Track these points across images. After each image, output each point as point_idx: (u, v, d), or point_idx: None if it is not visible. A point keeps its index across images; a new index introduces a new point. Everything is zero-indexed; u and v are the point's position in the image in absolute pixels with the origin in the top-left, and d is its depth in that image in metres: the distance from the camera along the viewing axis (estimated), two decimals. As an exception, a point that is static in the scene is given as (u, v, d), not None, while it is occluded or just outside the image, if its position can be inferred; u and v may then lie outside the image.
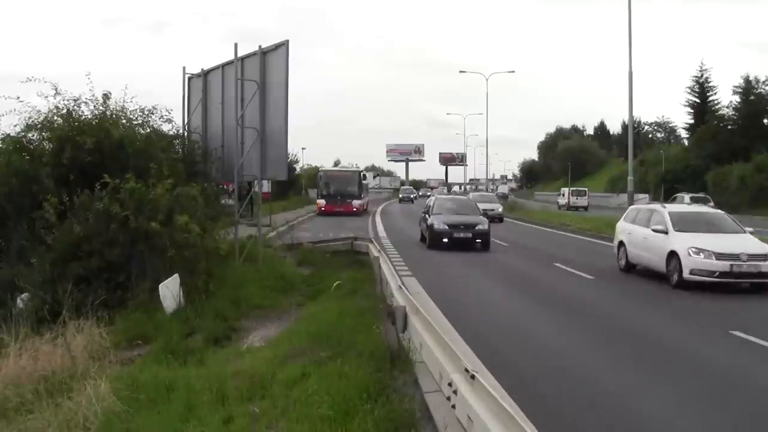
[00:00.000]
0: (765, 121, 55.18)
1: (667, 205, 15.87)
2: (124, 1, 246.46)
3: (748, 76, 56.61)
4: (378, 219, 36.90)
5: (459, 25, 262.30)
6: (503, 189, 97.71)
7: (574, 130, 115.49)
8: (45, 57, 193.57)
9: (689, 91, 65.88)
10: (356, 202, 40.21)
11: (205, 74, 16.35)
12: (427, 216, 20.60)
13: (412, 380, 6.09)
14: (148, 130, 13.44)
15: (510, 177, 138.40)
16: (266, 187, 23.88)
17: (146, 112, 13.56)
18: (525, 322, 9.84)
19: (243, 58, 14.56)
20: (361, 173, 44.64)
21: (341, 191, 40.19)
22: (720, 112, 60.73)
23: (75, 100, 12.45)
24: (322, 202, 40.15)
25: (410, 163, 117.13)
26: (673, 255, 12.53)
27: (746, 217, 37.83)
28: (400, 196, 70.01)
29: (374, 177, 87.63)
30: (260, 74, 13.88)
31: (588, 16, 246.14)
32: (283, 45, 13.47)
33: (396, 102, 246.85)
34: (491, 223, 23.46)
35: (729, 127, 56.33)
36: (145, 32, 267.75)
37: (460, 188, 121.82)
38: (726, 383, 6.75)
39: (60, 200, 10.60)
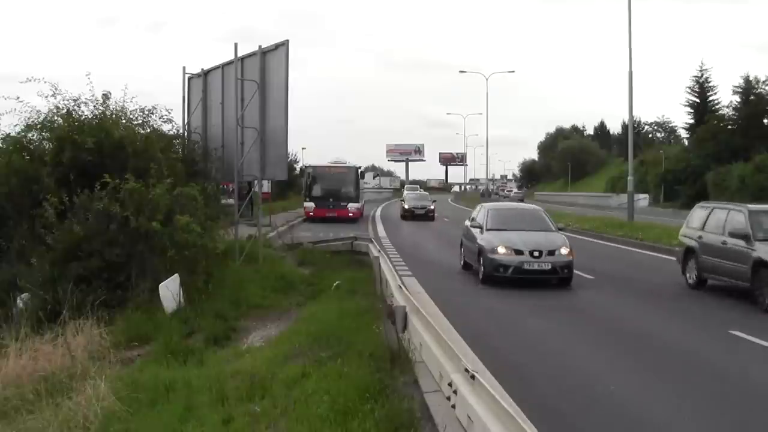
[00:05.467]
0: (765, 121, 55.04)
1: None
2: (122, 1, 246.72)
3: (748, 76, 56.54)
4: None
5: (458, 25, 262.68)
6: (512, 191, 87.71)
7: (574, 130, 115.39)
8: (44, 58, 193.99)
9: (689, 91, 65.80)
10: (353, 206, 32.26)
11: (205, 74, 16.36)
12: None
13: (412, 380, 6.10)
14: (148, 130, 13.43)
15: (510, 177, 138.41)
16: (266, 187, 23.93)
17: (146, 112, 13.55)
18: (523, 321, 9.84)
19: (243, 58, 14.57)
20: (359, 170, 35.44)
21: (334, 192, 32.18)
22: (720, 112, 60.61)
23: (75, 100, 12.44)
24: (310, 205, 32.21)
25: (410, 163, 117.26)
26: None
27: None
28: (407, 206, 36.78)
29: (374, 177, 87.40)
30: (260, 74, 13.88)
31: (588, 16, 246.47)
32: (283, 45, 13.48)
33: (396, 102, 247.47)
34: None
35: (729, 127, 56.21)
36: (144, 33, 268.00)
37: (460, 188, 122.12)
38: (725, 383, 6.75)
39: (60, 200, 10.59)
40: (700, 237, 12.37)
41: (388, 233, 25.70)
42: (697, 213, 13.09)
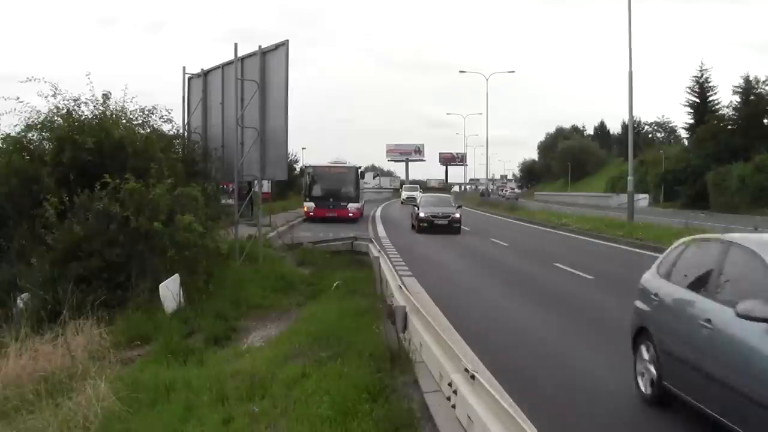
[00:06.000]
0: (765, 121, 55.08)
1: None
2: (122, 1, 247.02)
3: (748, 76, 56.60)
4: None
5: (458, 25, 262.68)
6: (508, 191, 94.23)
7: (574, 130, 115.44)
8: (44, 58, 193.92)
9: (689, 91, 65.85)
10: (353, 206, 32.22)
11: (205, 74, 16.36)
12: None
13: (412, 380, 6.10)
14: (148, 130, 13.43)
15: (510, 177, 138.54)
16: (266, 187, 23.92)
17: (146, 112, 13.54)
18: (524, 320, 9.84)
19: (243, 58, 14.58)
20: (359, 170, 35.34)
21: (334, 192, 32.16)
22: (720, 112, 60.68)
23: (75, 100, 12.44)
24: (310, 205, 32.21)
25: (410, 163, 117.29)
26: None
27: (746, 217, 37.96)
28: (423, 213, 26.26)
29: (374, 177, 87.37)
30: (260, 74, 13.89)
31: (588, 16, 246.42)
32: (283, 45, 13.50)
33: (396, 102, 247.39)
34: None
35: (729, 127, 56.26)
36: (144, 33, 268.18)
37: (460, 188, 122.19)
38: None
39: (60, 200, 10.60)
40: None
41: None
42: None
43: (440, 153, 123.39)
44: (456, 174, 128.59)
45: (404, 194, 63.38)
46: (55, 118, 12.22)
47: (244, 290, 11.49)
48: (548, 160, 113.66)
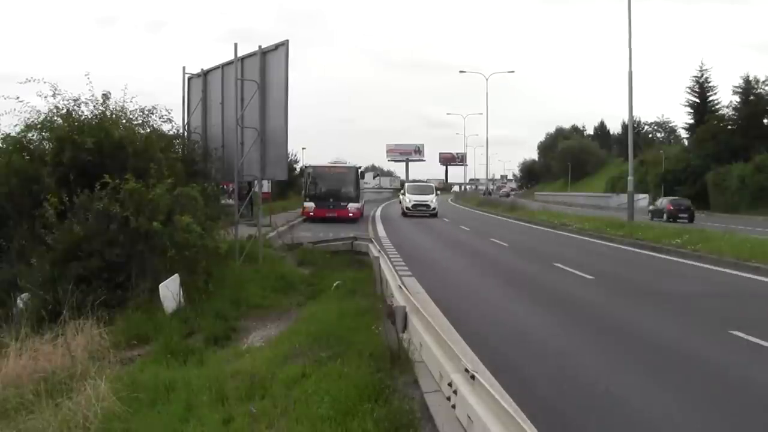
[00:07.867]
0: (765, 121, 55.08)
1: None
2: (121, 1, 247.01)
3: (748, 76, 56.60)
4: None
5: (458, 25, 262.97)
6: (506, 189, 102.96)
7: (574, 130, 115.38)
8: (44, 58, 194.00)
9: (689, 91, 65.82)
10: (353, 206, 32.30)
11: (204, 74, 16.36)
12: None
13: (412, 380, 6.10)
14: (148, 130, 13.43)
15: (510, 177, 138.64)
16: (266, 187, 23.92)
17: (146, 112, 13.53)
18: (524, 320, 9.83)
19: (243, 58, 14.58)
20: (359, 170, 35.25)
21: (334, 192, 32.26)
22: (720, 112, 60.66)
23: (75, 101, 12.43)
24: (310, 205, 32.22)
25: (410, 163, 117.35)
26: None
27: (746, 217, 37.96)
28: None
29: (374, 177, 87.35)
30: (260, 74, 13.90)
31: (588, 16, 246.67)
32: (283, 45, 13.50)
33: (396, 102, 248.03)
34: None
35: (729, 127, 56.26)
36: (144, 33, 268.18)
37: (460, 188, 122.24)
38: (725, 383, 6.75)
39: (60, 200, 10.59)
40: None
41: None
42: None
43: (440, 153, 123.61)
44: (456, 174, 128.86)
45: (409, 199, 39.86)
46: (55, 118, 12.21)
47: (244, 290, 11.48)
48: (548, 160, 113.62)
